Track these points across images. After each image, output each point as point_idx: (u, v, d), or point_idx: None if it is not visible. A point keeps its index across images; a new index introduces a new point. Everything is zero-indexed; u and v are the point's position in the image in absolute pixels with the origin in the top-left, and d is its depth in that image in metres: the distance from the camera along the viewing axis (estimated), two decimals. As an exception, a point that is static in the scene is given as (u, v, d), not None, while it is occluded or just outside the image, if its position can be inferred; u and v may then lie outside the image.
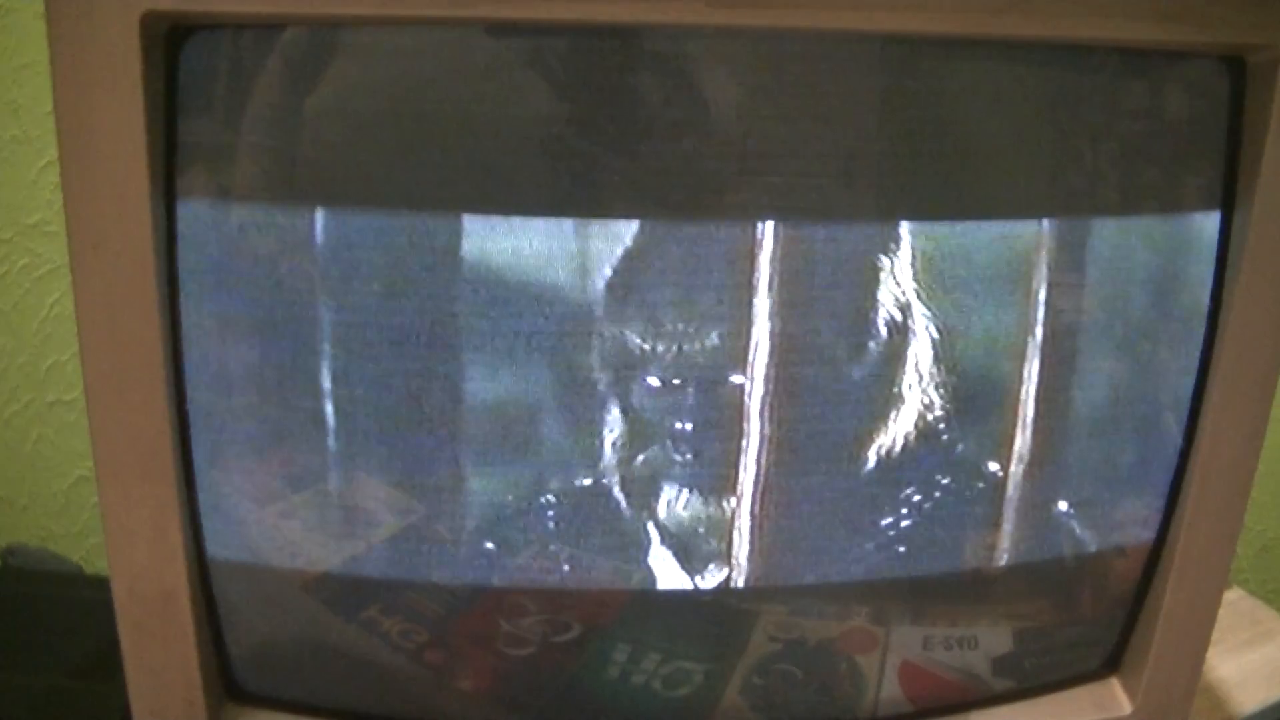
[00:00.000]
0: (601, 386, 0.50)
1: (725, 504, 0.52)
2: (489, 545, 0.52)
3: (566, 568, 0.53)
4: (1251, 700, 0.74)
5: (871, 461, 0.52)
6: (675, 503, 0.52)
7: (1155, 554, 0.57)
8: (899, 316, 0.50)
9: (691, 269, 0.48)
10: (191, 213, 0.46)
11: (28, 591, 0.81)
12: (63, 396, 0.90)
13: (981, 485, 0.54)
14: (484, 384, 0.49)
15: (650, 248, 0.48)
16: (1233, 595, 0.84)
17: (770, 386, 0.50)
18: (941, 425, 0.52)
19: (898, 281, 0.50)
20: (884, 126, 0.48)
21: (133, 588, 0.50)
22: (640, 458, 0.51)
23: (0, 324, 0.88)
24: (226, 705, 0.54)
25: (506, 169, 0.47)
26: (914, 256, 0.49)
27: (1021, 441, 0.53)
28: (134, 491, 0.48)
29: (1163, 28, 0.46)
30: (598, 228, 0.48)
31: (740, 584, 0.54)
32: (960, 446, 0.53)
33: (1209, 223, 0.51)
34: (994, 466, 0.54)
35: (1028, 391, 0.53)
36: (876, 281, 0.50)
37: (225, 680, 0.54)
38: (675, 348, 0.49)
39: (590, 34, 0.45)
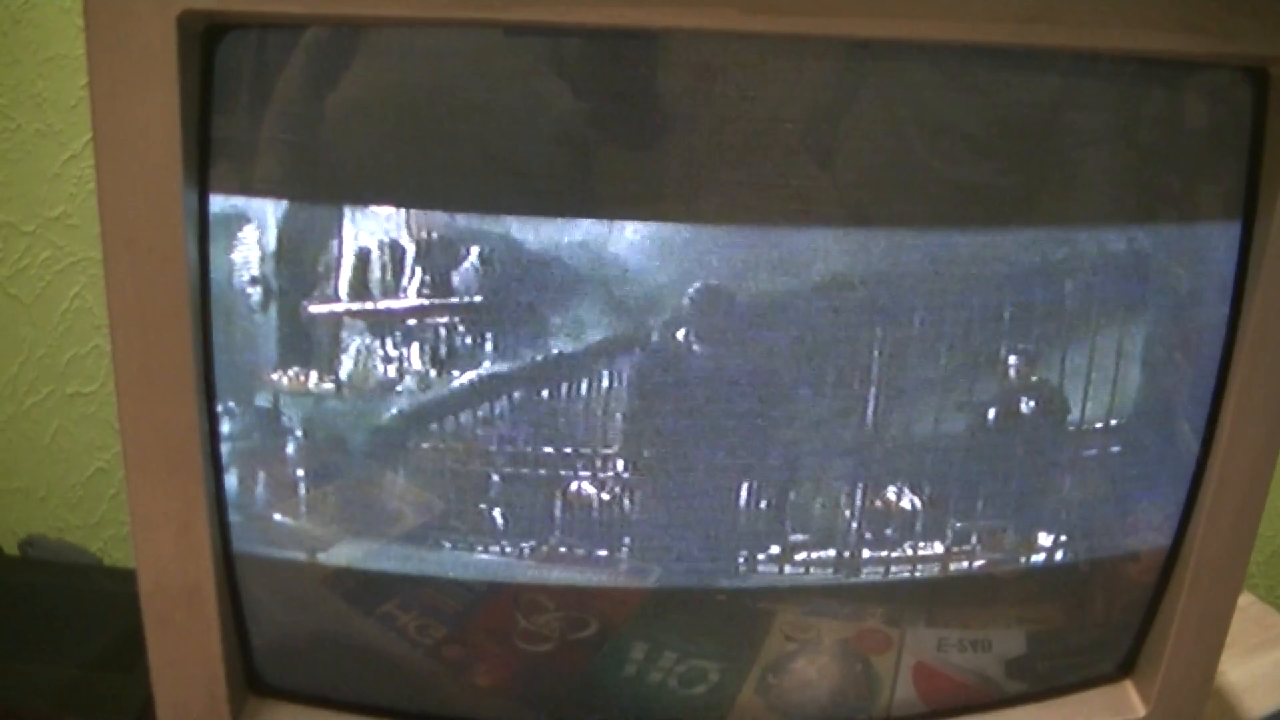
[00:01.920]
0: (627, 380, 0.50)
1: (741, 502, 0.52)
2: (507, 541, 0.52)
3: (584, 565, 0.53)
4: (1261, 705, 0.74)
5: (886, 463, 0.53)
6: (688, 501, 0.52)
7: (1171, 559, 0.57)
8: (914, 321, 0.50)
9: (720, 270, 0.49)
10: (224, 208, 0.47)
11: (46, 582, 0.81)
12: (82, 389, 0.90)
13: (996, 487, 0.54)
14: (507, 379, 0.49)
15: (678, 250, 0.48)
16: (1243, 600, 0.84)
17: (799, 379, 0.50)
18: (954, 427, 0.53)
19: (914, 285, 0.50)
20: (906, 133, 0.49)
21: (159, 581, 0.50)
22: (662, 454, 0.51)
23: (22, 316, 0.88)
24: (248, 698, 0.54)
25: (532, 169, 0.47)
26: (929, 262, 0.50)
27: (1039, 444, 0.54)
28: (161, 485, 0.48)
29: (1187, 39, 0.46)
30: (617, 227, 0.48)
31: (756, 583, 0.54)
32: (975, 448, 0.53)
33: (1229, 232, 0.52)
34: (1009, 469, 0.54)
35: (1044, 396, 0.53)
36: (896, 282, 0.50)
37: (247, 673, 0.54)
38: (701, 345, 0.49)
39: (616, 37, 0.46)
